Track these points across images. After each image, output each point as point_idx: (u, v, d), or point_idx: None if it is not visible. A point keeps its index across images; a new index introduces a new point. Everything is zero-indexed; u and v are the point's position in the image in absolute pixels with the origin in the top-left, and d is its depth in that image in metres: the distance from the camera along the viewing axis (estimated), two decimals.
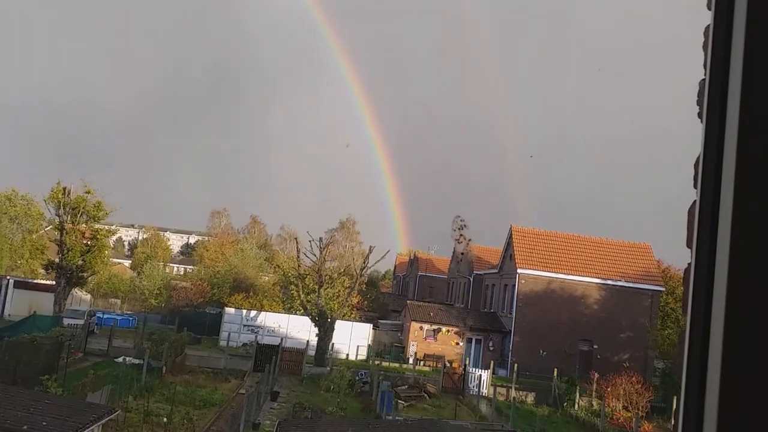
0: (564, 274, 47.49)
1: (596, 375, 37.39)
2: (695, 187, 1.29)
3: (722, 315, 1.14)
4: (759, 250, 1.13)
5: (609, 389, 34.66)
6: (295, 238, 52.32)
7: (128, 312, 58.81)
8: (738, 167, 1.19)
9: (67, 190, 42.96)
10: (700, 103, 1.34)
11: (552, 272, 47.51)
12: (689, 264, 1.27)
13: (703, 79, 1.32)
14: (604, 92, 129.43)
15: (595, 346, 46.38)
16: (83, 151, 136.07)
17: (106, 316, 50.73)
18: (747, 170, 1.18)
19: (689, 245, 1.29)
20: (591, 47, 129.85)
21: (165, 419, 23.45)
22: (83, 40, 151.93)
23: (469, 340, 48.86)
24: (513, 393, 37.61)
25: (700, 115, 1.32)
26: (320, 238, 47.49)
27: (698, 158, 1.31)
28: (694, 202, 1.29)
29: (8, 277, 49.47)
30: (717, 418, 1.12)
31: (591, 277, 47.62)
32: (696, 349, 1.20)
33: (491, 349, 48.31)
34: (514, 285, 47.62)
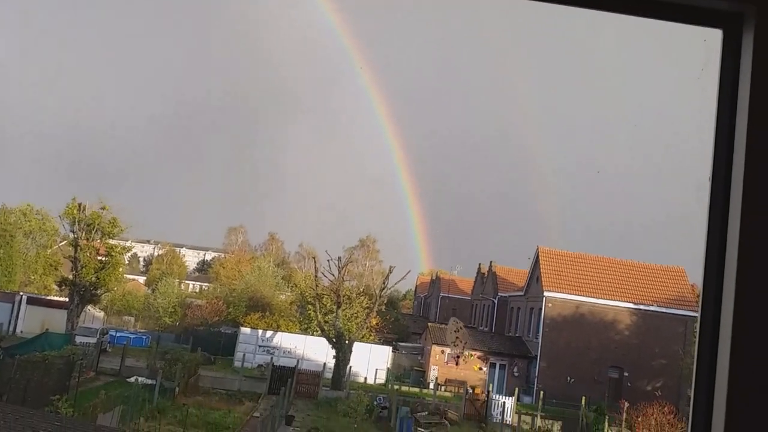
0: (593, 297, 46.23)
1: (626, 404, 35.93)
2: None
3: (726, 374, 1.22)
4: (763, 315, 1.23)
5: (639, 419, 33.39)
6: (313, 257, 51.50)
7: (142, 330, 58.15)
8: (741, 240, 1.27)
9: (82, 207, 42.65)
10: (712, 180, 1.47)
11: (581, 296, 46.26)
12: (698, 314, 1.37)
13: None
14: (636, 117, 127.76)
15: (626, 374, 44.89)
16: (98, 167, 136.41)
17: (119, 334, 50.06)
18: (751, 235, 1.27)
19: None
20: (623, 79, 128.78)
21: None
22: (96, 59, 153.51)
23: (493, 365, 47.46)
24: (538, 421, 36.23)
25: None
26: (339, 257, 46.58)
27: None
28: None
29: (21, 294, 49.08)
30: None
31: (622, 301, 46.27)
32: (702, 403, 1.28)
33: (516, 374, 46.84)
34: (541, 308, 46.41)
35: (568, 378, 44.05)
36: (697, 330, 1.33)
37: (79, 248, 42.17)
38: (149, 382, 32.03)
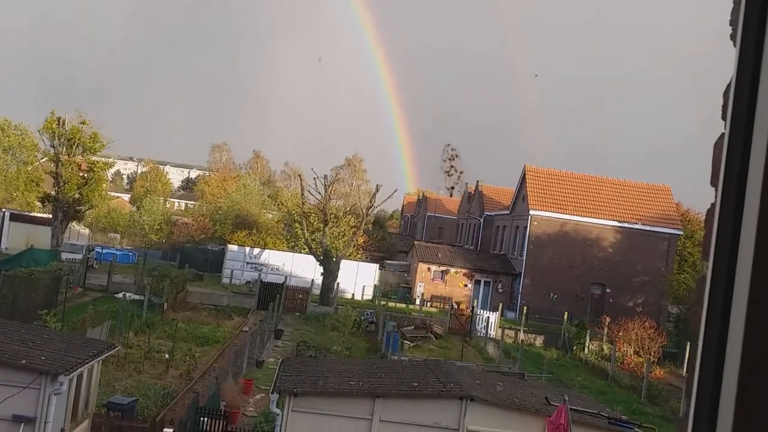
0: (578, 216, 46.21)
1: (608, 319, 36.67)
2: (723, 118, 1.14)
3: (750, 259, 0.99)
4: None
5: (620, 334, 34.10)
6: (299, 175, 51.05)
7: (128, 247, 57.97)
8: None
9: (61, 121, 41.44)
10: (734, 23, 1.15)
11: (566, 214, 46.22)
12: (713, 204, 1.13)
13: None
14: (620, 21, 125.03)
15: (608, 290, 45.57)
16: (80, 83, 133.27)
17: (105, 250, 49.80)
18: None
19: (714, 183, 1.15)
20: None
21: (167, 356, 22.89)
22: None
23: (478, 282, 48.08)
24: (521, 335, 36.98)
25: (733, 36, 1.14)
26: (325, 176, 46.07)
27: (728, 86, 1.12)
28: (722, 135, 1.13)
29: (4, 210, 48.25)
30: (738, 372, 0.99)
31: (606, 219, 46.39)
32: (718, 296, 1.04)
33: (500, 291, 47.55)
34: (526, 227, 46.49)
35: (551, 294, 44.65)
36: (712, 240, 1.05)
37: (60, 164, 41.26)
38: (137, 297, 32.13)
